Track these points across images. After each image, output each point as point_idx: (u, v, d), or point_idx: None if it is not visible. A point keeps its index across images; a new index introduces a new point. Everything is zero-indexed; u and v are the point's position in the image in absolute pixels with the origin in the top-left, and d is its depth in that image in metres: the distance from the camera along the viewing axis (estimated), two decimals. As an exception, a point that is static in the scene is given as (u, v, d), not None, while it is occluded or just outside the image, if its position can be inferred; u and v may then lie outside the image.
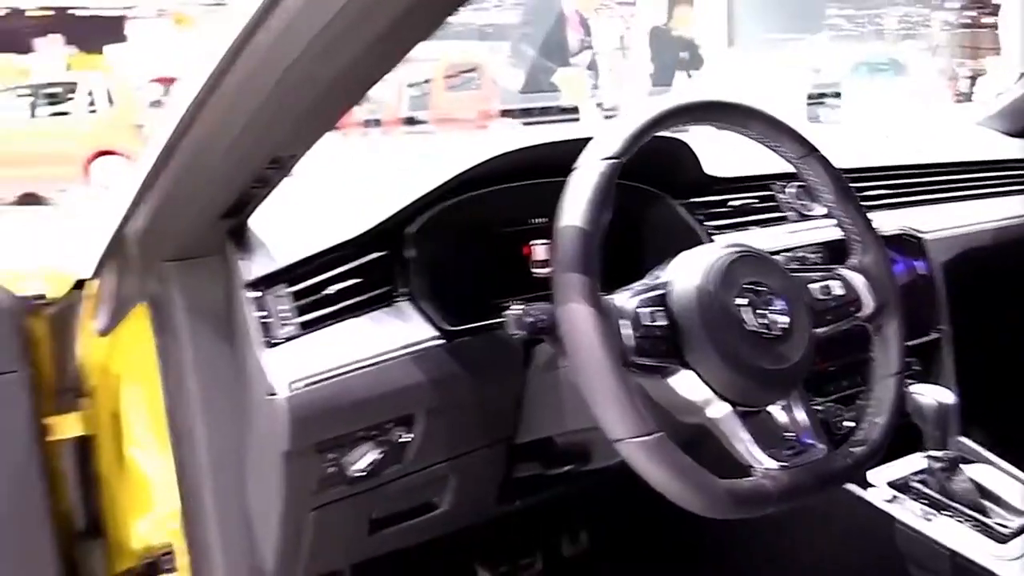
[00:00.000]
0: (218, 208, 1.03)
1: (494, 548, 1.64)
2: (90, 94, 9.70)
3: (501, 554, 1.65)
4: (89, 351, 1.25)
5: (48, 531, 1.13)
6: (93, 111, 9.69)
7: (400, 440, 1.10)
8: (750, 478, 0.90)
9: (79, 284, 1.27)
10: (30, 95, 9.95)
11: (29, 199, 9.50)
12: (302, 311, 1.06)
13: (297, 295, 1.06)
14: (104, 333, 1.22)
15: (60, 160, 9.24)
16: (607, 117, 6.89)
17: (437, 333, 1.10)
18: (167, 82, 10.39)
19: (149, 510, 1.24)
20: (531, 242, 1.16)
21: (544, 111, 6.72)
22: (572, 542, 1.72)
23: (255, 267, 1.06)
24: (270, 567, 1.23)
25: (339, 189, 1.37)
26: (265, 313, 1.05)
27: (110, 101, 9.66)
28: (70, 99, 9.80)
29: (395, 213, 1.14)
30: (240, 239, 1.09)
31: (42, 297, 1.21)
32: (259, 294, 1.05)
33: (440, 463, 1.17)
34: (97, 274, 1.21)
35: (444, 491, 1.22)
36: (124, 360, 1.22)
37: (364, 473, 1.08)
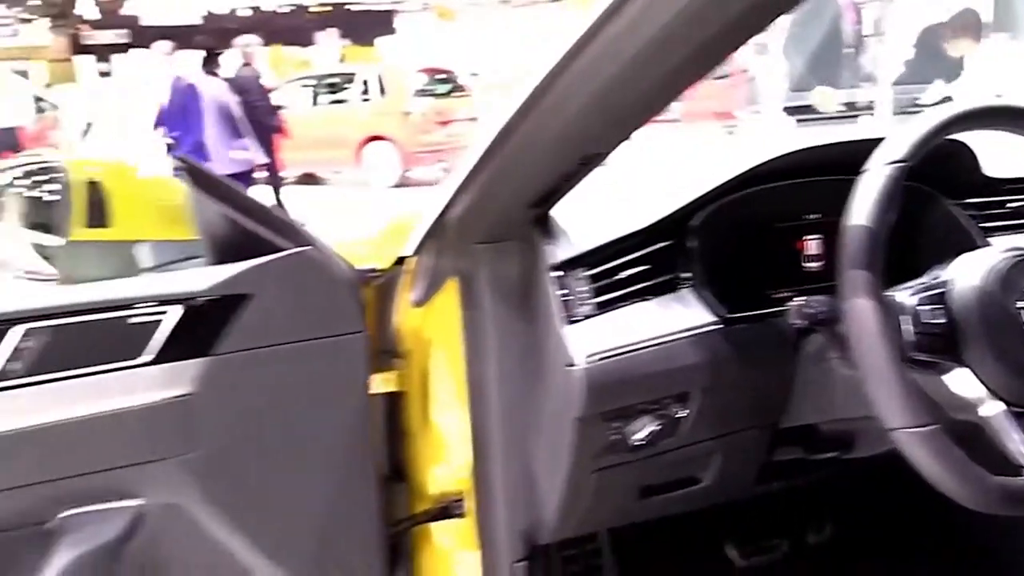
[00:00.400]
0: (528, 198, 1.17)
1: (744, 528, 1.69)
2: (364, 83, 10.43)
3: (750, 535, 1.70)
4: (405, 318, 1.41)
5: (372, 472, 1.30)
6: (367, 99, 10.41)
7: (676, 415, 1.20)
8: (1022, 477, 0.93)
9: (400, 260, 1.45)
10: (312, 85, 10.83)
11: (308, 179, 10.41)
12: (598, 292, 1.18)
13: (594, 278, 1.18)
14: (419, 304, 1.37)
15: (336, 144, 10.04)
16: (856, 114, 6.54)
17: (716, 319, 1.19)
18: (432, 72, 11.01)
19: (445, 461, 1.39)
20: (805, 237, 1.23)
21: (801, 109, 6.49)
22: (817, 531, 1.74)
23: (558, 252, 1.19)
24: (547, 519, 1.35)
25: (627, 181, 1.48)
26: (566, 292, 1.17)
27: (382, 90, 10.33)
28: (347, 88, 10.58)
29: (682, 207, 1.24)
30: (544, 226, 1.23)
31: (373, 270, 1.39)
32: (561, 275, 1.18)
33: (709, 440, 1.26)
34: (417, 252, 1.36)
35: (708, 467, 1.30)
36: (434, 328, 1.37)
37: (643, 442, 1.18)
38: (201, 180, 1.17)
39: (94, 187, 1.25)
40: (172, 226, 1.34)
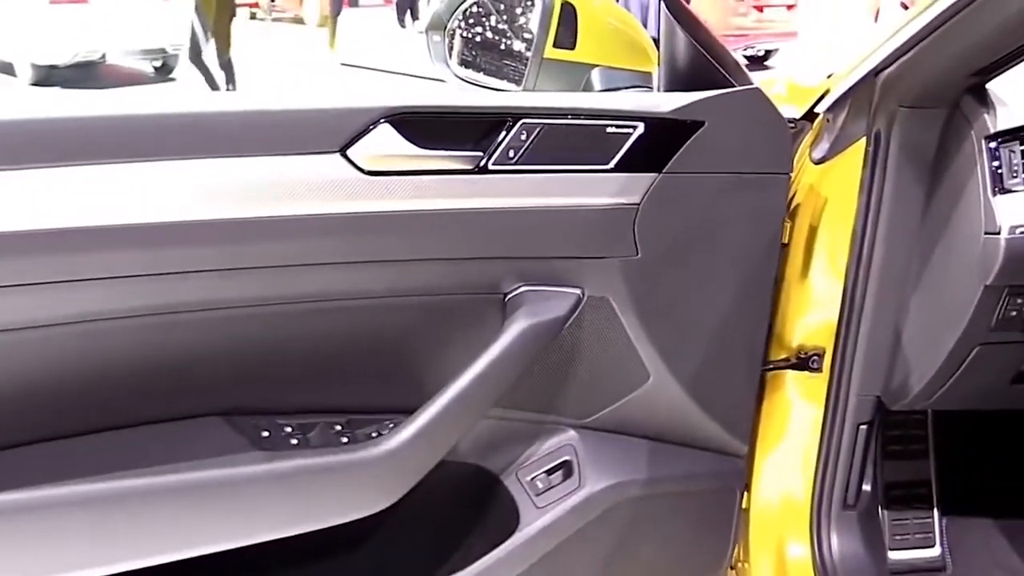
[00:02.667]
0: (971, 66, 1.20)
1: None
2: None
3: None
4: (802, 172, 1.47)
5: (767, 308, 1.38)
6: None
7: None
8: None
9: (806, 116, 1.51)
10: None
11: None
12: None
13: None
14: (820, 161, 1.43)
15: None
16: None
17: None
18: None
19: (812, 314, 1.44)
20: None
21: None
22: None
23: (994, 122, 1.22)
24: (907, 386, 1.40)
25: None
26: (997, 164, 1.21)
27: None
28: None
29: None
30: (979, 96, 1.25)
31: (791, 120, 1.46)
32: (995, 145, 1.21)
33: None
34: (830, 110, 1.42)
35: None
36: (831, 186, 1.42)
37: None
38: (676, 10, 1.26)
39: (568, 9, 1.39)
40: (626, 55, 1.45)
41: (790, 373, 1.44)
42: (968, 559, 1.63)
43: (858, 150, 1.37)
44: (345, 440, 1.22)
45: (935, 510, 1.64)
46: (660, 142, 1.22)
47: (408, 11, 11.59)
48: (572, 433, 1.35)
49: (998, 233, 1.19)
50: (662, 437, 1.38)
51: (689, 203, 1.27)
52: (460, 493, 1.36)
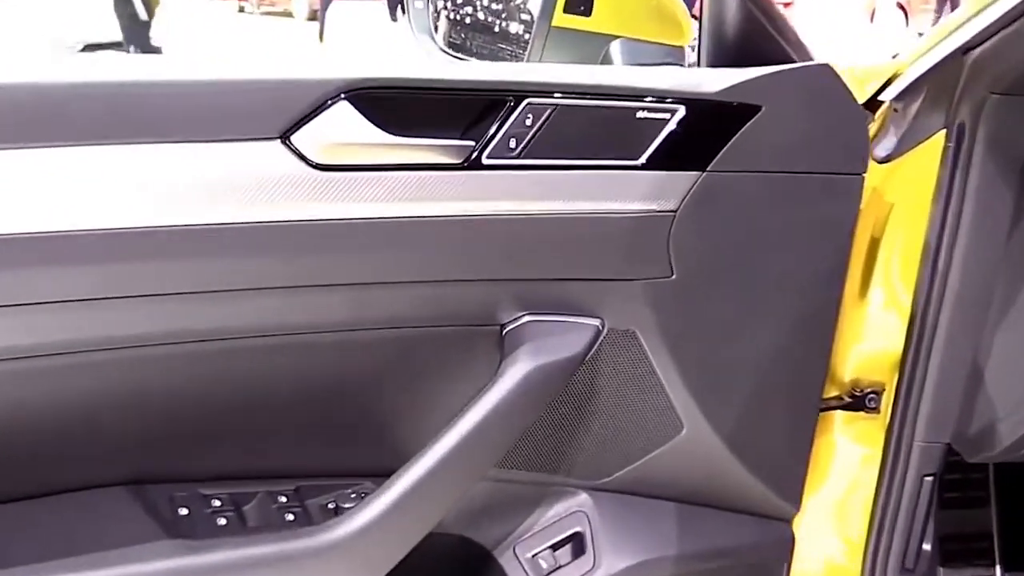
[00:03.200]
0: None
1: None
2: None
3: None
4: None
5: (830, 334, 1.21)
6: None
7: None
8: None
9: (868, 104, 1.29)
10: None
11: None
12: None
13: None
14: (885, 160, 1.23)
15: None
16: None
17: None
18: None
19: (869, 342, 1.26)
20: None
21: None
22: None
23: None
24: (993, 434, 1.23)
25: None
26: None
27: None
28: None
29: None
30: None
31: None
32: None
33: None
34: (898, 98, 1.21)
35: None
36: (899, 189, 1.22)
37: None
38: None
39: (581, -29, 1.16)
40: (654, 24, 1.25)
41: (840, 414, 1.29)
42: None
43: (935, 146, 1.19)
44: (291, 517, 1.03)
45: (998, 567, 1.50)
46: (704, 132, 1.02)
47: (399, 5, 11.49)
48: (584, 497, 1.18)
49: None
50: (695, 500, 1.22)
51: (739, 211, 1.06)
52: (439, 572, 1.18)
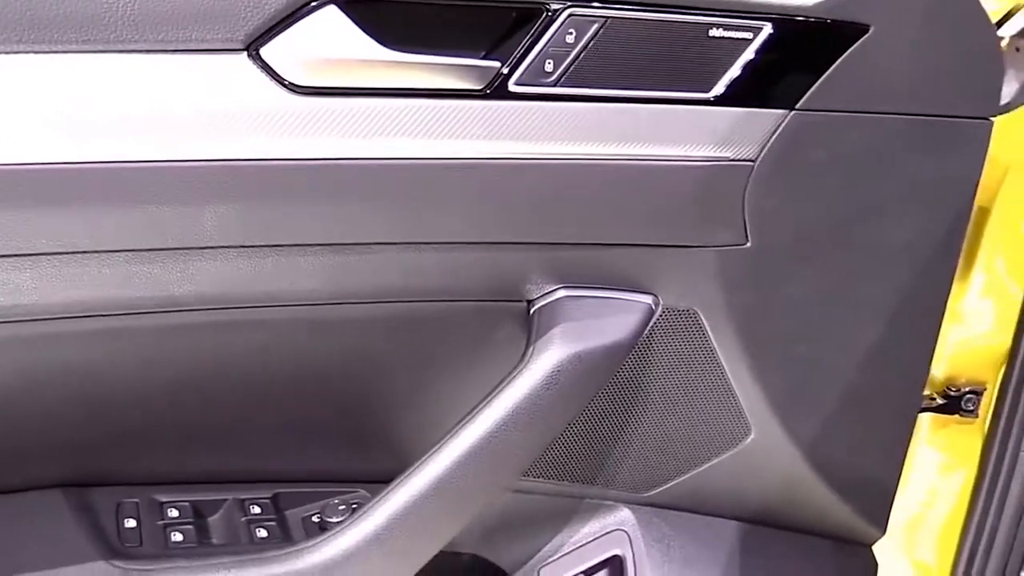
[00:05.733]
0: None
1: None
2: None
3: None
4: None
5: (939, 317, 1.08)
6: None
7: None
8: None
9: None
10: None
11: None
12: None
13: None
14: (1003, 111, 1.06)
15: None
16: None
17: None
18: None
19: (967, 334, 1.13)
20: None
21: None
22: None
23: None
24: None
25: None
26: None
27: None
28: None
29: None
30: None
31: None
32: None
33: None
34: (1022, 34, 1.03)
35: None
36: (1016, 147, 1.07)
37: None
38: None
39: None
40: None
41: (930, 417, 1.16)
42: None
43: None
44: (264, 533, 0.87)
45: None
46: (796, 58, 0.84)
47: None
48: (626, 513, 1.05)
49: None
50: (761, 519, 1.08)
51: (835, 162, 0.88)
52: None
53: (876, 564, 1.12)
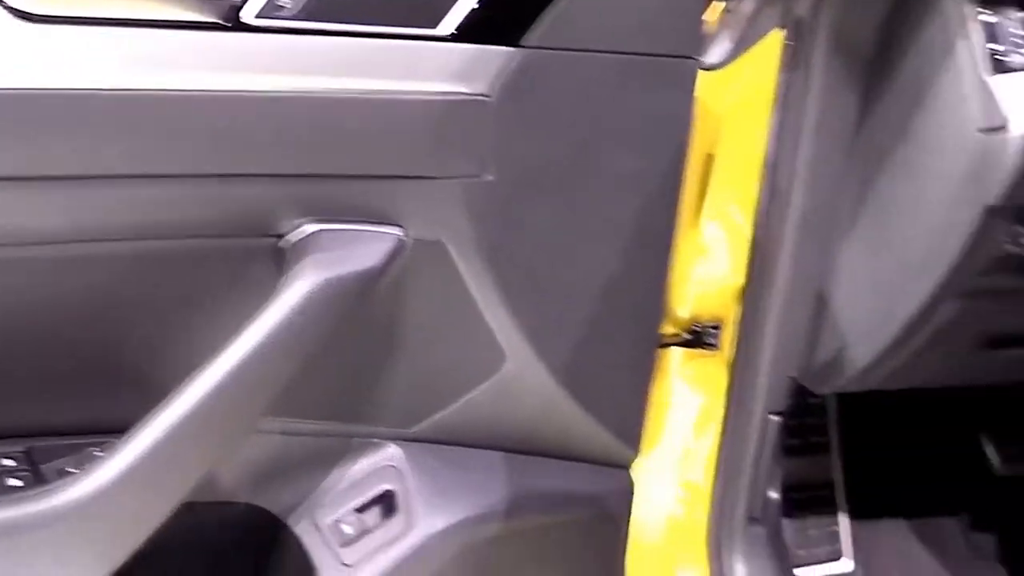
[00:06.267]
0: None
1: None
2: None
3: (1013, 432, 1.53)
4: None
5: (671, 244, 1.12)
6: None
7: None
8: None
9: None
10: None
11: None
12: None
13: None
14: (716, 66, 1.15)
15: None
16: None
17: None
18: None
19: (702, 273, 1.20)
20: None
21: None
22: None
23: None
24: (843, 362, 1.16)
25: None
26: (991, 37, 0.91)
27: None
28: None
29: None
30: None
31: None
32: (988, 15, 0.91)
33: None
34: None
35: None
36: (732, 98, 1.15)
37: None
38: None
39: None
40: None
41: (678, 352, 1.22)
42: (884, 571, 1.48)
43: (771, 47, 1.11)
44: (20, 483, 0.85)
45: (843, 515, 1.48)
46: None
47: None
48: (393, 449, 1.05)
49: (1003, 128, 0.87)
50: (523, 447, 1.10)
51: (562, 97, 0.93)
52: (223, 550, 1.03)
53: (632, 484, 1.17)
